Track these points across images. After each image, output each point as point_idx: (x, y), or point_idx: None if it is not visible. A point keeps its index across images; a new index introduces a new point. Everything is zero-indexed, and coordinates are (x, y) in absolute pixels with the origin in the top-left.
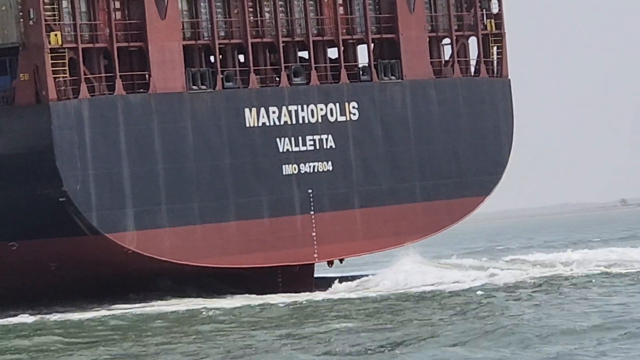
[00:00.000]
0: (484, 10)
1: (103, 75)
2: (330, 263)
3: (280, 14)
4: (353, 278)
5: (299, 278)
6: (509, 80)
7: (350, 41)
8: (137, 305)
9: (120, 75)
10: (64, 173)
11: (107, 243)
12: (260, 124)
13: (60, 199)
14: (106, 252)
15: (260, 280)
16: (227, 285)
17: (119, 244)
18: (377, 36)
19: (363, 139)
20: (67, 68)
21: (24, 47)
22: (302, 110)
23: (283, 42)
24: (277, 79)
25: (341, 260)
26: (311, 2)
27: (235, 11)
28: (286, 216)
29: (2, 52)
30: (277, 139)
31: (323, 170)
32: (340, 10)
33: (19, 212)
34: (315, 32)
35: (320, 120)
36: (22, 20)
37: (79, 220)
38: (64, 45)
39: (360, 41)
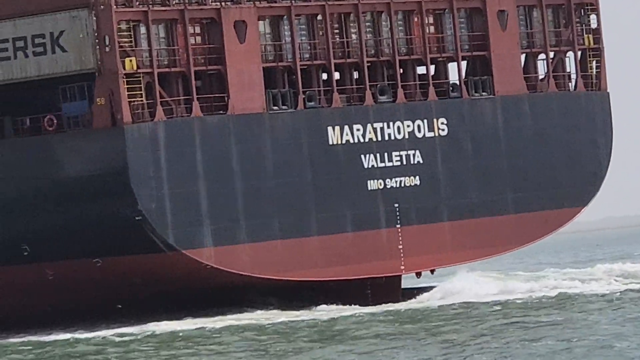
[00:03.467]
0: (583, 25)
1: (181, 98)
2: (418, 274)
3: (368, 34)
4: (419, 289)
5: (387, 289)
6: (608, 93)
7: (440, 59)
8: (253, 315)
9: (198, 98)
10: (138, 193)
11: (185, 259)
12: (344, 142)
13: (137, 218)
14: (184, 268)
15: (349, 292)
16: (318, 297)
17: (196, 259)
18: (468, 54)
19: (452, 154)
20: (143, 92)
21: (99, 72)
22: (388, 127)
23: (369, 61)
24: (362, 97)
25: (432, 272)
26: (400, 22)
27: (321, 33)
28: (371, 230)
29: (81, 77)
30: (362, 156)
31: (410, 185)
32: (431, 29)
33: (100, 230)
34: (404, 50)
35: (407, 136)
36: (98, 47)
37: (155, 238)
38: (140, 70)
39: (451, 59)
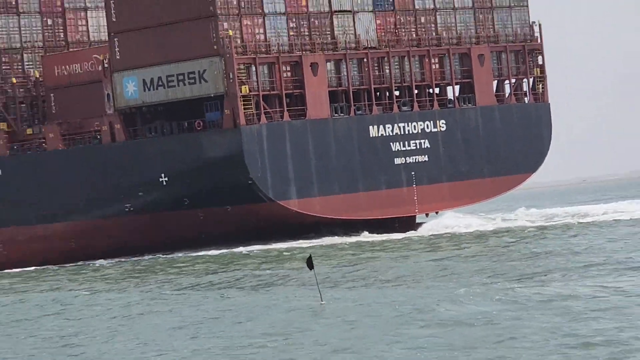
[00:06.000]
0: (533, 61)
1: (277, 110)
2: (427, 215)
3: (395, 70)
4: (420, 223)
5: (407, 223)
6: (549, 104)
7: (442, 84)
8: (317, 240)
9: (287, 109)
10: (249, 166)
11: (279, 207)
12: (379, 135)
13: (249, 182)
14: (279, 212)
15: (385, 225)
16: (365, 229)
17: (286, 206)
18: (460, 80)
19: (448, 142)
20: (252, 106)
21: (227, 94)
22: (408, 125)
23: (395, 86)
24: (392, 109)
25: (437, 212)
26: (416, 61)
27: (365, 69)
28: (397, 188)
29: (216, 97)
30: (391, 143)
31: (421, 161)
32: (436, 65)
33: (229, 189)
34: (418, 78)
35: (420, 131)
36: (225, 78)
37: (261, 194)
38: (251, 93)
39: (448, 84)
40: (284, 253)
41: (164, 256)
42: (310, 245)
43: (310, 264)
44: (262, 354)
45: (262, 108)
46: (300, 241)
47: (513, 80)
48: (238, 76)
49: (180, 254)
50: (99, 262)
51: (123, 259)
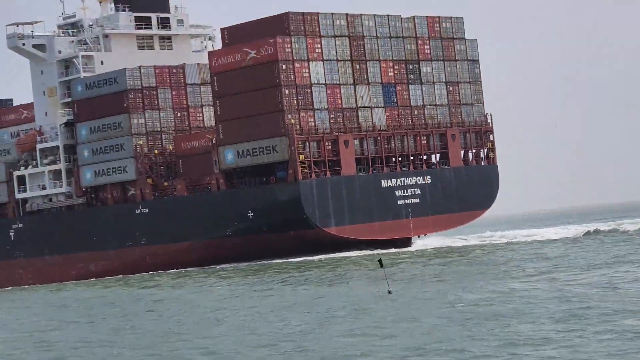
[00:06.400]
0: (488, 138)
1: (322, 170)
2: (418, 236)
3: (398, 144)
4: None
5: (406, 241)
6: (497, 165)
7: (428, 153)
8: (355, 253)
9: (329, 169)
10: (305, 206)
11: (323, 232)
12: (388, 185)
13: (304, 216)
14: (323, 235)
15: (389, 243)
16: (378, 245)
17: (328, 231)
18: (440, 150)
19: (432, 190)
20: (307, 168)
21: (290, 160)
22: (406, 179)
23: (398, 154)
24: (396, 169)
25: (425, 235)
26: (412, 138)
27: (379, 144)
28: (399, 219)
29: (283, 162)
30: (395, 191)
31: (415, 202)
32: (425, 141)
33: (291, 221)
34: (413, 150)
35: (414, 183)
36: (289, 150)
37: (311, 223)
38: (306, 159)
39: (432, 153)
40: (343, 260)
41: (254, 263)
42: (345, 256)
43: (381, 263)
44: (347, 324)
45: (312, 169)
46: (338, 253)
47: (474, 150)
48: (297, 149)
49: (264, 261)
50: (220, 266)
51: (227, 265)
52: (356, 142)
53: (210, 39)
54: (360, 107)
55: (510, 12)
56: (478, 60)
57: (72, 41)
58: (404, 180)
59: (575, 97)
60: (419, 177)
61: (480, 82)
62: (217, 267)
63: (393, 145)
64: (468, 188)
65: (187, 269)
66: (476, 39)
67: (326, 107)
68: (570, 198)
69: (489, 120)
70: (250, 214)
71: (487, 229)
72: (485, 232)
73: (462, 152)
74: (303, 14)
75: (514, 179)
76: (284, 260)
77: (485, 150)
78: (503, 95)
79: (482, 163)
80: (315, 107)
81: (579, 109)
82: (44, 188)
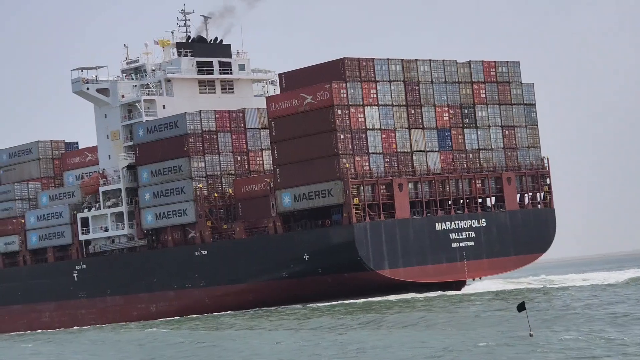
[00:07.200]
0: (544, 181)
1: (376, 213)
2: (473, 279)
3: (452, 188)
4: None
5: (461, 284)
6: (554, 209)
7: (483, 196)
8: (407, 295)
9: (383, 212)
10: (359, 249)
11: (377, 274)
12: (443, 229)
13: (358, 258)
14: (377, 278)
15: (445, 286)
16: (433, 288)
17: (382, 274)
18: (495, 194)
19: (487, 233)
20: (361, 211)
21: (345, 204)
22: (461, 222)
23: (452, 198)
24: (450, 212)
25: (480, 278)
26: (466, 182)
27: (433, 187)
28: (453, 262)
29: (338, 205)
30: (450, 234)
31: (470, 245)
32: (480, 184)
33: (346, 263)
34: (468, 193)
35: (468, 226)
36: (344, 194)
37: (366, 266)
38: (360, 202)
39: (487, 196)
40: (410, 301)
41: (309, 305)
42: (399, 298)
43: (521, 307)
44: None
45: (367, 212)
46: (393, 296)
47: (530, 194)
48: (351, 192)
49: (320, 304)
50: (273, 308)
51: (281, 307)
52: (410, 185)
53: (271, 83)
54: (415, 151)
55: (568, 55)
56: (534, 104)
57: (135, 85)
58: (458, 224)
59: (634, 140)
60: (473, 220)
61: (537, 125)
62: (271, 309)
63: (447, 188)
64: (524, 231)
65: (244, 310)
66: (532, 83)
67: (381, 151)
68: (633, 241)
69: (546, 164)
70: (306, 257)
71: (543, 272)
72: (540, 275)
73: (518, 195)
74: (359, 59)
75: (572, 223)
76: (339, 302)
77: (542, 194)
78: (561, 139)
79: (539, 206)
80: (370, 151)
81: (638, 154)
82: (106, 230)
